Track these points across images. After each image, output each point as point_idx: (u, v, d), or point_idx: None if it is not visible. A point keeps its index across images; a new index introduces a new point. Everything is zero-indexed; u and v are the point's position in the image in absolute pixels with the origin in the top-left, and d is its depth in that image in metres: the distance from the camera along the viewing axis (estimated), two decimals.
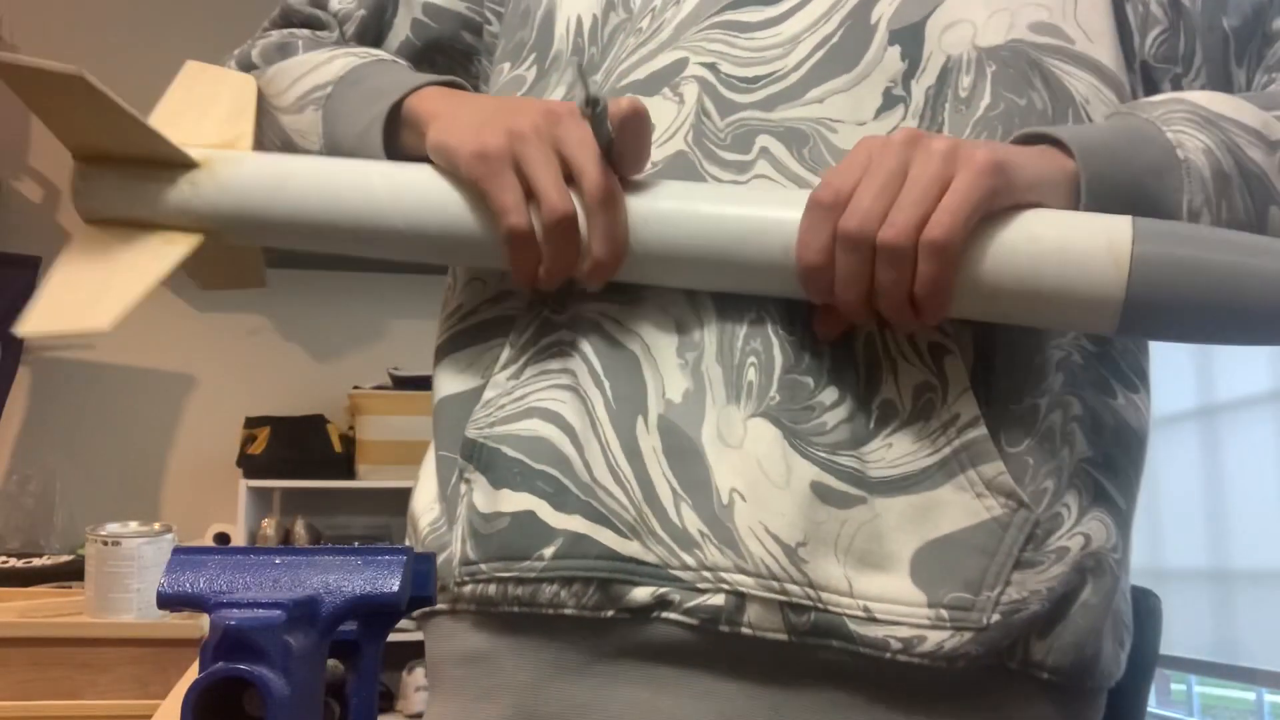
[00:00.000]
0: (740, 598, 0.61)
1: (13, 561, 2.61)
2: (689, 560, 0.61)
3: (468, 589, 0.67)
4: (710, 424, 0.63)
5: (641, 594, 0.62)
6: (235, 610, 0.42)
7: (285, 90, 0.76)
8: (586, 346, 0.66)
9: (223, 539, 3.02)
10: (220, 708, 0.41)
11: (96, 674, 1.48)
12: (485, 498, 0.67)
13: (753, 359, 0.63)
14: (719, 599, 0.61)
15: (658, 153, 0.67)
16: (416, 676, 2.95)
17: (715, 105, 0.68)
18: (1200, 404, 2.09)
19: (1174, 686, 2.43)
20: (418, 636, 2.95)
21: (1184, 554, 2.06)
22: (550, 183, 0.61)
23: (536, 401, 0.67)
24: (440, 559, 0.69)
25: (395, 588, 0.46)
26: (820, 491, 0.61)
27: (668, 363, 0.64)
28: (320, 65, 0.77)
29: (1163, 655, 0.76)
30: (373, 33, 0.83)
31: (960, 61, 0.67)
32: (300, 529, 3.00)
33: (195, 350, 3.27)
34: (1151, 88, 0.73)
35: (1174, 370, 2.11)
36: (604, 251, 0.62)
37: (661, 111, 0.68)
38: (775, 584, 0.61)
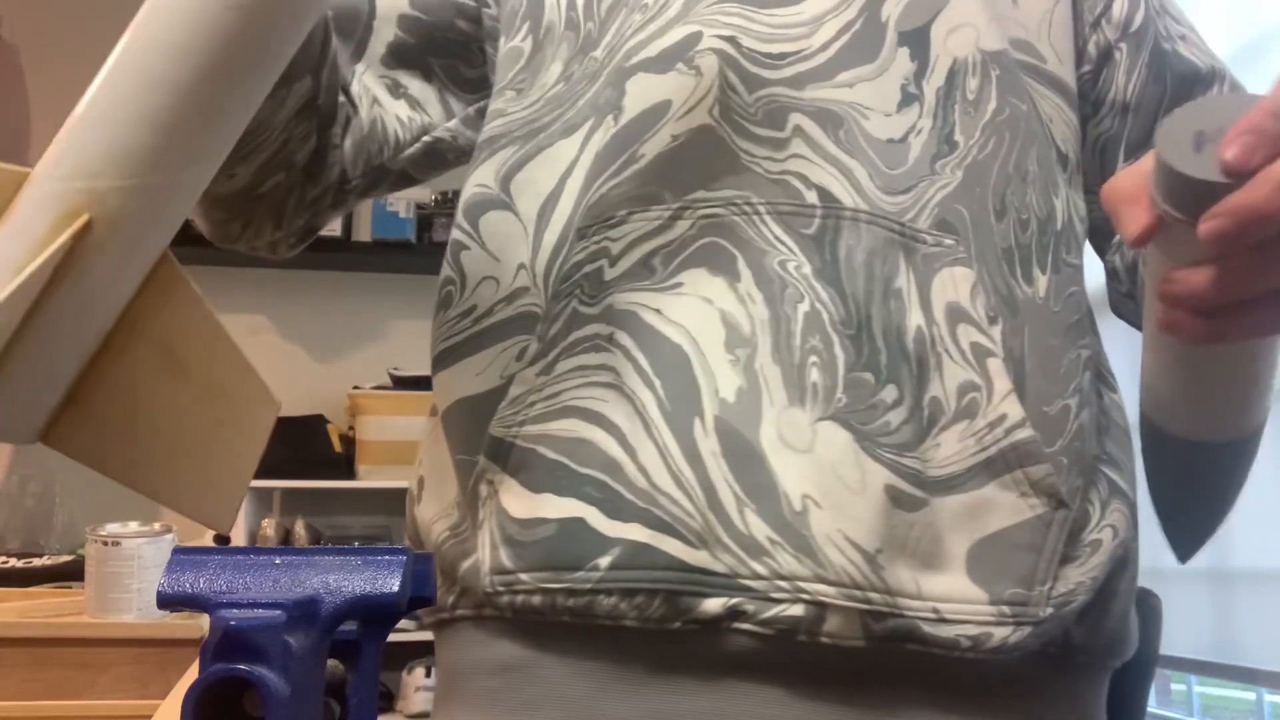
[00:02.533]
0: (821, 607, 0.59)
1: (13, 561, 2.61)
2: (759, 569, 0.59)
3: (504, 599, 0.63)
4: (769, 425, 0.60)
5: (713, 605, 0.59)
6: (235, 610, 0.42)
7: None
8: (627, 340, 0.63)
9: (223, 539, 3.01)
10: (220, 708, 0.41)
11: (96, 674, 1.48)
12: (520, 502, 0.63)
13: (814, 357, 0.61)
14: (798, 609, 0.59)
15: (679, 125, 0.65)
16: (416, 676, 2.94)
17: (740, 79, 0.65)
18: None
19: (1174, 686, 2.43)
20: (418, 636, 2.96)
21: None
22: None
23: (573, 400, 0.63)
24: (464, 566, 0.65)
25: (395, 588, 0.46)
26: (893, 495, 0.60)
27: (717, 359, 0.61)
28: None
29: (1163, 655, 0.76)
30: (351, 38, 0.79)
31: (966, 63, 0.68)
32: (300, 529, 3.00)
33: None
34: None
35: None
36: None
37: (678, 86, 0.66)
38: (858, 593, 0.59)
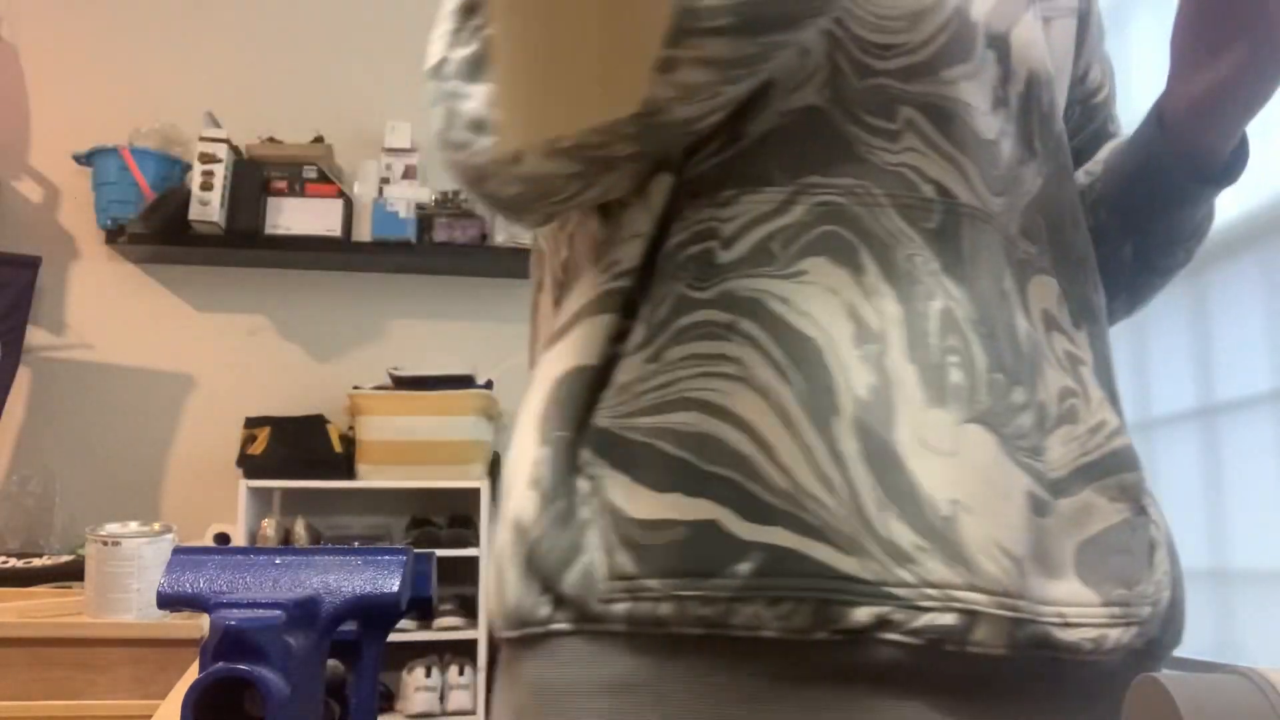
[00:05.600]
0: (971, 616, 0.56)
1: (13, 561, 2.61)
2: (906, 576, 0.56)
3: (621, 607, 0.57)
4: (905, 426, 0.57)
5: (862, 614, 0.56)
6: (235, 610, 0.42)
7: None
8: (754, 329, 0.59)
9: (223, 539, 3.01)
10: (220, 708, 0.41)
11: (96, 674, 1.48)
12: (640, 502, 0.58)
13: (954, 357, 0.59)
14: (949, 618, 0.56)
15: (786, 103, 0.63)
16: (416, 676, 2.94)
17: (850, 64, 0.63)
18: (1200, 404, 2.08)
19: None
20: (418, 636, 2.97)
21: (1184, 554, 2.06)
22: None
23: (689, 391, 0.58)
24: (572, 573, 0.58)
25: (395, 588, 0.46)
26: (1033, 502, 0.59)
27: (847, 354, 0.58)
28: None
29: None
30: None
31: (1039, 77, 0.68)
32: (300, 529, 3.00)
33: (195, 350, 3.27)
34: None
35: (1173, 370, 2.11)
36: None
37: (782, 60, 0.62)
38: (1008, 600, 0.57)
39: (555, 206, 0.63)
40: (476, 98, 0.60)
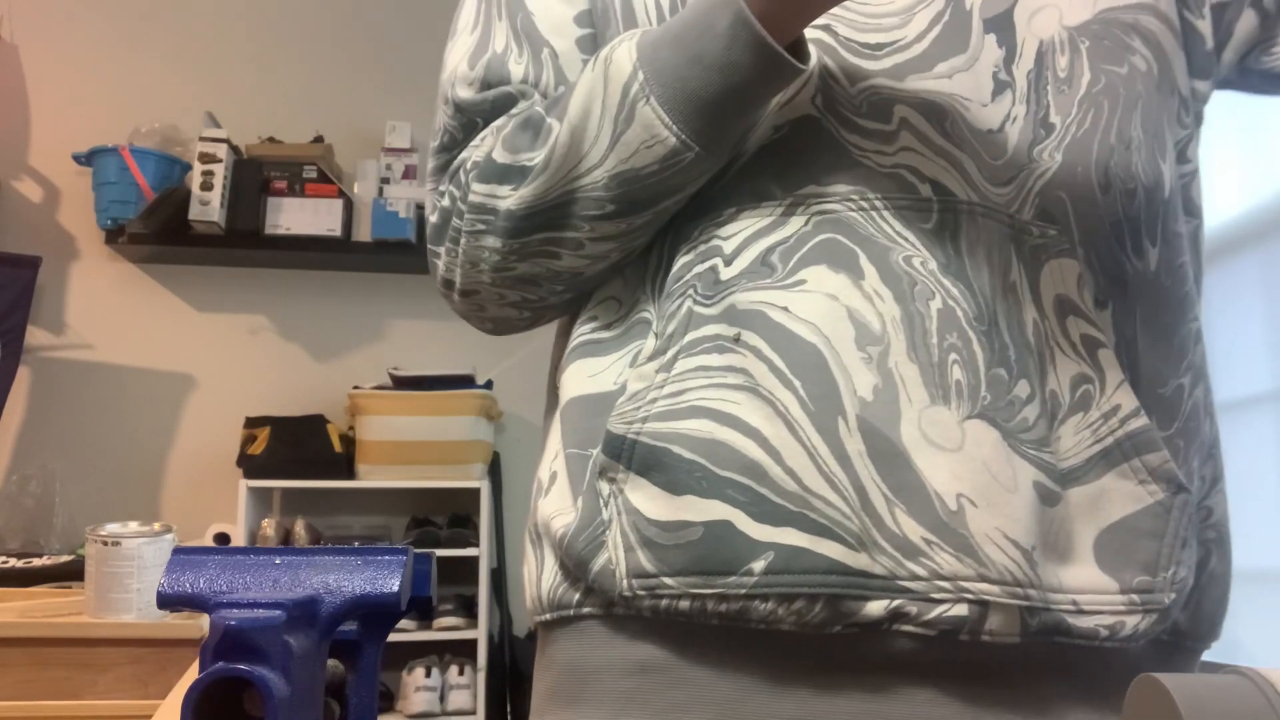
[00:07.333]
0: (984, 606, 0.58)
1: (13, 561, 2.61)
2: (918, 570, 0.58)
3: (645, 603, 0.61)
4: (910, 424, 0.59)
5: (875, 608, 0.58)
6: (235, 610, 0.42)
7: (587, 142, 0.64)
8: (758, 341, 0.61)
9: (223, 539, 3.01)
10: (220, 708, 0.41)
11: (96, 674, 1.48)
12: (658, 504, 0.61)
13: (954, 355, 0.60)
14: (961, 609, 0.58)
15: (780, 115, 0.64)
16: (416, 676, 2.94)
17: (841, 70, 0.64)
18: None
19: None
20: (418, 636, 2.97)
21: None
22: None
23: (701, 401, 0.61)
24: (596, 566, 0.63)
25: (395, 588, 0.46)
26: (1041, 492, 0.60)
27: (850, 356, 0.60)
28: (590, 84, 0.65)
29: None
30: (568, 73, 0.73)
31: (1053, 44, 0.67)
32: (300, 529, 3.00)
33: (195, 350, 3.27)
34: (1227, 26, 0.74)
35: None
36: None
37: None
38: (1019, 590, 0.58)
39: (522, 330, 0.77)
40: (443, 259, 0.73)
